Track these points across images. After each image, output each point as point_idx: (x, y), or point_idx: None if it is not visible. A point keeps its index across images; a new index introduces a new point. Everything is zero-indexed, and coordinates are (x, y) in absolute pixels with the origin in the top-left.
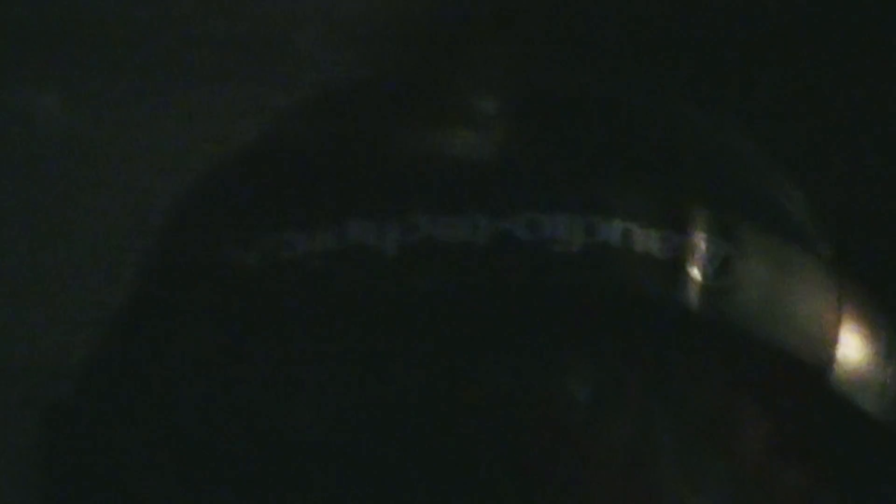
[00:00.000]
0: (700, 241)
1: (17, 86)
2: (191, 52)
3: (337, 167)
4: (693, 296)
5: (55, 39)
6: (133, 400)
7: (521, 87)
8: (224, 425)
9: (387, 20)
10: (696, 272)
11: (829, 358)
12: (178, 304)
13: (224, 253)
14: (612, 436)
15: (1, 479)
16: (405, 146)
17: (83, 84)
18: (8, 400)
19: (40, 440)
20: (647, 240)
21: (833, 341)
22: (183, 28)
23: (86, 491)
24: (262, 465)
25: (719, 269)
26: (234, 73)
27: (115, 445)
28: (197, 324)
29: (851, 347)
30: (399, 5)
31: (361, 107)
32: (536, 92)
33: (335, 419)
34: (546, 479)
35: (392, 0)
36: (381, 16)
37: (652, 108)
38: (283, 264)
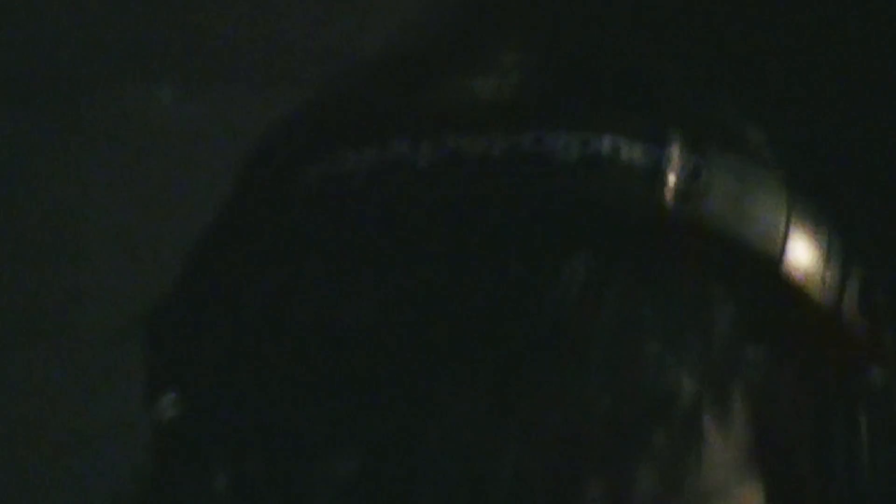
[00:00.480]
0: (675, 153)
1: (135, 81)
2: (281, 58)
3: (383, 103)
4: (669, 197)
5: (168, 40)
6: (222, 294)
7: (534, 46)
8: (293, 312)
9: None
10: (671, 178)
11: (781, 251)
12: (258, 211)
13: (292, 170)
14: (602, 312)
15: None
16: (440, 87)
17: (192, 80)
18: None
19: (144, 341)
20: (631, 151)
21: (784, 238)
22: (279, 37)
23: (185, 387)
24: (326, 350)
25: (690, 176)
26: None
27: (213, 339)
28: (272, 226)
29: (799, 244)
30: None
31: (407, 62)
32: (546, 50)
33: (382, 299)
34: (549, 347)
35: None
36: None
37: (640, 61)
38: (337, 175)
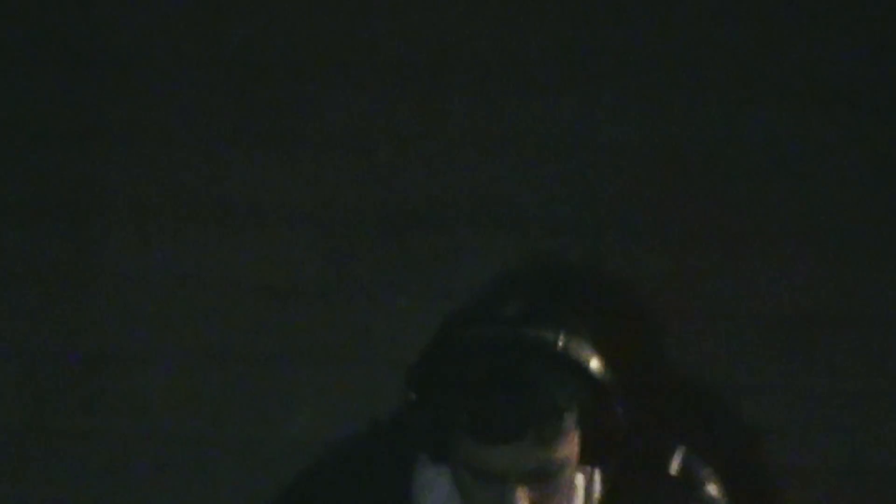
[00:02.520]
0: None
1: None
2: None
3: (487, 322)
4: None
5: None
6: (434, 367)
7: (534, 302)
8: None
9: None
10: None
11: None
12: (452, 343)
13: (463, 328)
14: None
15: None
16: (496, 321)
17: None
18: None
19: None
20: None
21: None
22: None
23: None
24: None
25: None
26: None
27: (430, 376)
28: (456, 351)
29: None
30: None
31: (486, 306)
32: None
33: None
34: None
35: None
36: None
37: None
38: (475, 334)
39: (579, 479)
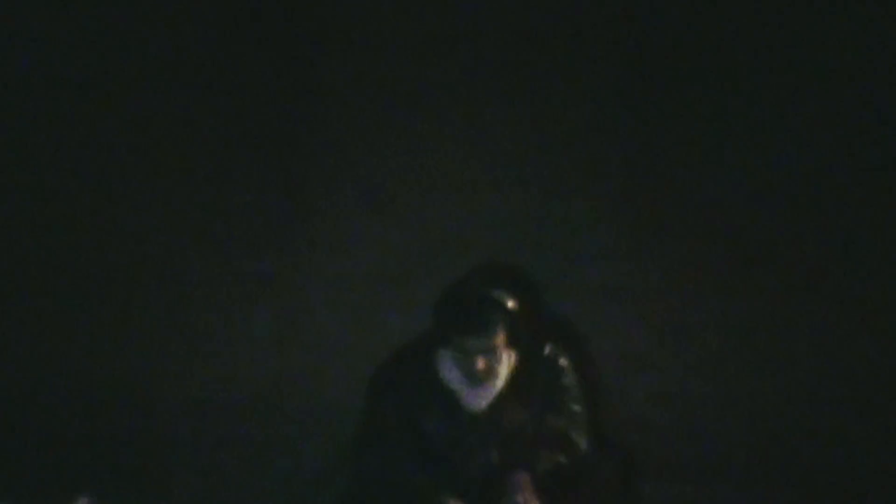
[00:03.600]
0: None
1: None
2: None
3: (459, 300)
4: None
5: None
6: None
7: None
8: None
9: None
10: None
11: (536, 341)
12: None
13: (455, 288)
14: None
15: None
16: (465, 303)
17: None
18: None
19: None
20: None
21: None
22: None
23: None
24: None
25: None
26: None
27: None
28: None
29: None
30: None
31: (460, 291)
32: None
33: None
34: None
35: None
36: None
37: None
38: (460, 289)
39: (505, 356)
